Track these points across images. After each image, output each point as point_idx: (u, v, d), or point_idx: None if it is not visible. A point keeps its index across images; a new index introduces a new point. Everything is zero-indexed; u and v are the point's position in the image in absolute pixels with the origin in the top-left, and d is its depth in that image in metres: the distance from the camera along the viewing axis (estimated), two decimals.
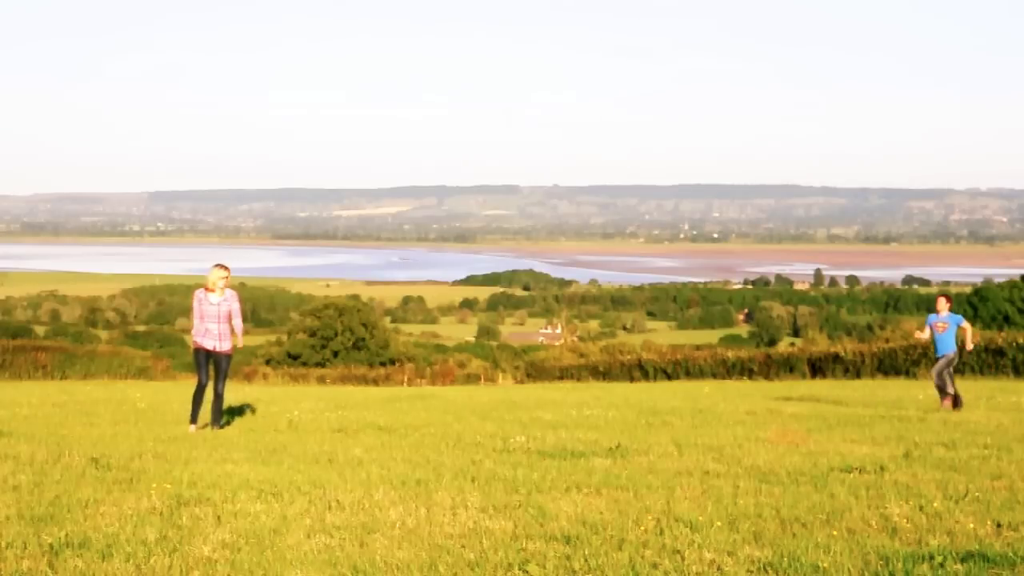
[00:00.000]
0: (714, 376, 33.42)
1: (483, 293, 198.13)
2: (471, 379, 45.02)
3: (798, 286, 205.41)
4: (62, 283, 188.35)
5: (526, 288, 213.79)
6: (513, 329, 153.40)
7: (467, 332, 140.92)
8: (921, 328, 16.53)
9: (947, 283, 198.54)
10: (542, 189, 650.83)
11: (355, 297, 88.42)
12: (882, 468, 8.71)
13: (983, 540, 6.02)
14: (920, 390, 20.20)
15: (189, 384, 12.96)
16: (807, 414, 14.48)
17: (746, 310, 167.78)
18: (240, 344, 13.21)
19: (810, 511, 6.90)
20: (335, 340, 57.98)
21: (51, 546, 5.98)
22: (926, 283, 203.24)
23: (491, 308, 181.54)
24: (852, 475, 8.42)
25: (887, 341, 34.91)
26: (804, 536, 6.18)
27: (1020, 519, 6.54)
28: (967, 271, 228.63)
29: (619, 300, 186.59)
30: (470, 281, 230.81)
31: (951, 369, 15.68)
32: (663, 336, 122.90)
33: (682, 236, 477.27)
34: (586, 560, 5.68)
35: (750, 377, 31.94)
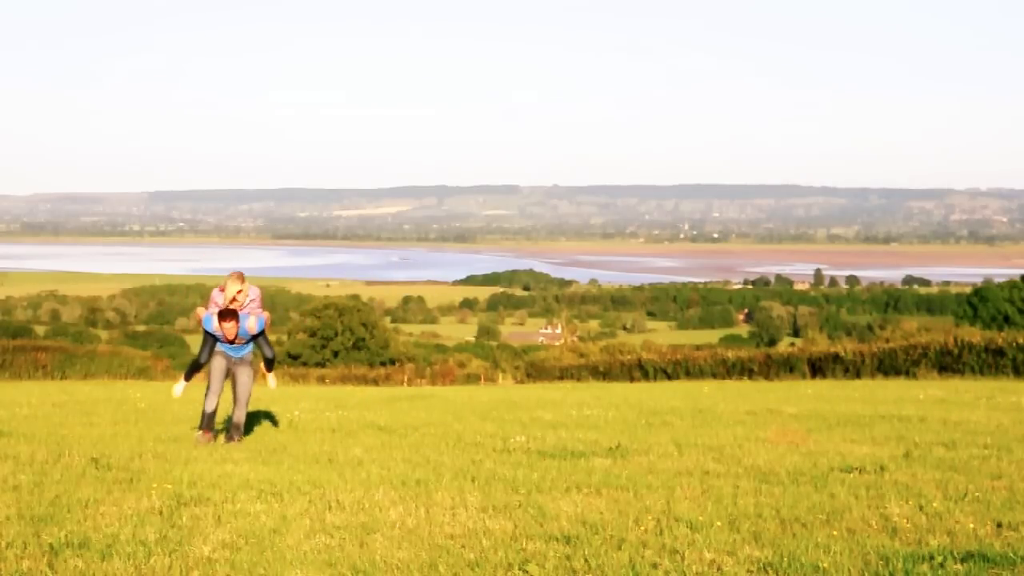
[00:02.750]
0: (714, 376, 33.40)
1: (483, 293, 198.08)
2: (471, 379, 45.02)
3: (798, 286, 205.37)
4: (62, 283, 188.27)
5: (526, 288, 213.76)
6: (513, 329, 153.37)
7: (467, 332, 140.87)
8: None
9: (947, 283, 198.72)
10: (542, 189, 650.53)
11: (355, 297, 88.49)
12: (882, 468, 8.71)
13: (983, 540, 6.02)
14: (920, 390, 20.19)
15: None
16: (807, 414, 14.47)
17: (746, 310, 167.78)
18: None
19: (810, 511, 6.90)
20: (335, 340, 58.04)
21: (51, 546, 5.97)
22: (926, 283, 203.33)
23: (491, 308, 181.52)
24: (852, 475, 8.41)
25: (887, 341, 34.87)
26: (804, 536, 6.18)
27: (1020, 519, 6.54)
28: (967, 271, 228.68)
29: (619, 300, 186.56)
30: (470, 281, 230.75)
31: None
32: (663, 336, 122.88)
33: (682, 236, 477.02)
34: (586, 560, 5.68)
35: (750, 377, 31.91)
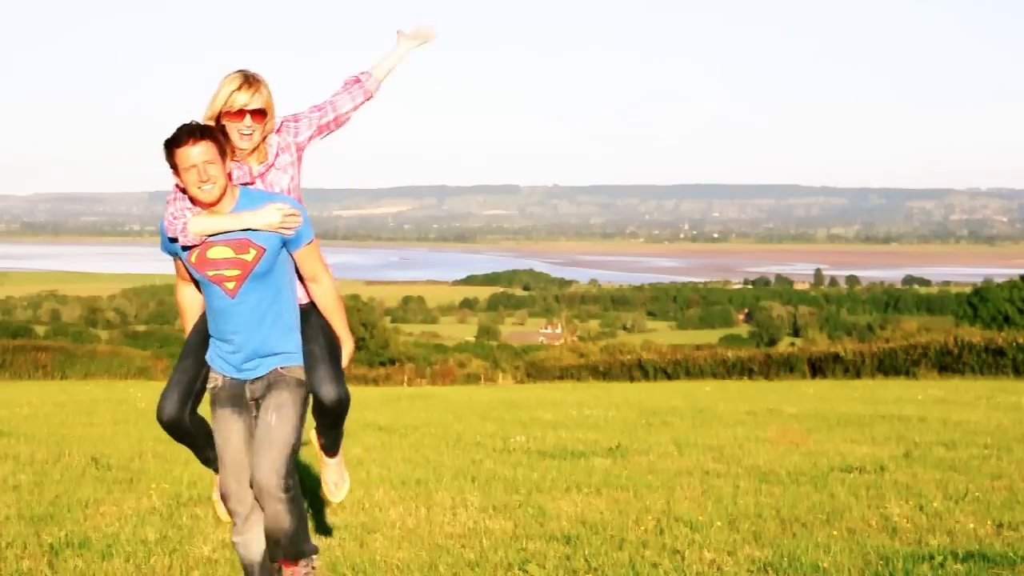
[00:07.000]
0: (714, 376, 33.42)
1: (483, 293, 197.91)
2: (471, 379, 45.03)
3: (798, 286, 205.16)
4: (62, 283, 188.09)
5: (526, 288, 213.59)
6: (513, 329, 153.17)
7: (467, 332, 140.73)
8: None
9: (947, 283, 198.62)
10: (542, 189, 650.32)
11: (355, 297, 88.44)
12: (882, 468, 8.71)
13: (983, 540, 6.02)
14: (920, 390, 20.20)
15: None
16: (807, 414, 14.48)
17: (746, 310, 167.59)
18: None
19: (810, 511, 6.90)
20: None
21: (51, 546, 5.98)
22: (926, 283, 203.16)
23: (491, 308, 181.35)
24: (852, 475, 8.42)
25: (887, 341, 34.90)
26: (804, 536, 6.18)
27: (1020, 519, 6.54)
28: (967, 271, 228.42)
29: (619, 300, 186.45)
30: (470, 281, 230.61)
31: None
32: (663, 336, 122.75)
33: (682, 236, 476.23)
34: (586, 560, 5.68)
35: (750, 377, 31.93)
